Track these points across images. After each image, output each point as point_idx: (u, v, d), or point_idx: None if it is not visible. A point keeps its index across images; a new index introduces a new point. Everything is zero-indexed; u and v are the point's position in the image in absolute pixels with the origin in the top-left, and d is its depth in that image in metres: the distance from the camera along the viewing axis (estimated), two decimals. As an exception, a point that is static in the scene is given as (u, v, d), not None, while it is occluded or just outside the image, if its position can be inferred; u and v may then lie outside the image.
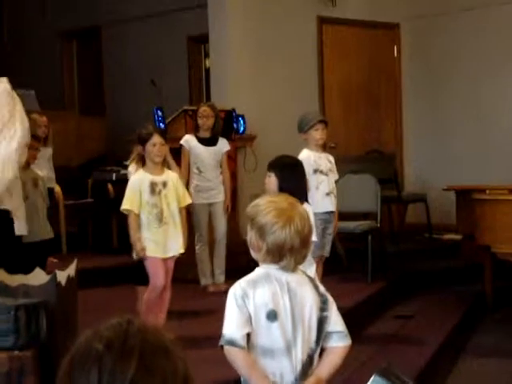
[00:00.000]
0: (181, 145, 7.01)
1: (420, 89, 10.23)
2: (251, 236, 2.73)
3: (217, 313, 6.11)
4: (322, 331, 2.75)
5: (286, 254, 2.68)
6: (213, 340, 5.22)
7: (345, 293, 6.26)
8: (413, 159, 10.30)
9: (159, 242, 5.31)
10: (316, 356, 2.76)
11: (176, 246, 5.39)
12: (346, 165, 7.99)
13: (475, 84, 9.71)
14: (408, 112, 10.31)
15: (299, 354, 2.71)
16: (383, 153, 9.84)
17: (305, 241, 2.70)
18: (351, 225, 7.34)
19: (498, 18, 9.44)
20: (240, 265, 7.42)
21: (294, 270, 2.73)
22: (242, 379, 2.80)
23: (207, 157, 7.00)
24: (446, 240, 9.29)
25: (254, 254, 2.78)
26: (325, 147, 6.18)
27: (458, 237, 8.50)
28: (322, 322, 2.75)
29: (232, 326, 2.66)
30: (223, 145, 7.12)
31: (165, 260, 5.36)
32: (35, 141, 5.83)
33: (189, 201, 5.56)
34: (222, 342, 2.67)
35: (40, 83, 10.79)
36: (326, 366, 2.78)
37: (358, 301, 6.40)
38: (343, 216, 6.80)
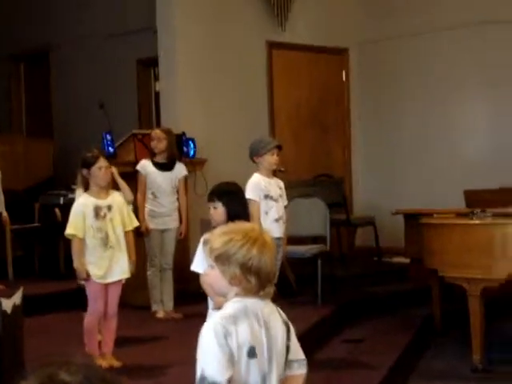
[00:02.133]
0: (137, 170, 6.97)
1: (368, 113, 10.34)
2: (233, 272, 2.63)
3: (165, 340, 6.10)
4: (286, 360, 2.73)
5: (270, 281, 2.66)
6: (161, 368, 5.19)
7: (295, 317, 6.22)
8: (361, 183, 10.39)
9: (103, 266, 5.24)
10: None
11: (120, 270, 5.32)
12: (295, 189, 8.02)
13: (423, 109, 9.84)
14: (356, 136, 10.40)
15: None
16: (332, 177, 9.90)
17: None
18: (301, 249, 7.36)
19: (447, 43, 9.60)
20: (189, 292, 7.43)
21: (272, 295, 2.69)
22: None
23: (163, 182, 6.97)
24: (395, 263, 9.36)
25: (224, 289, 2.67)
26: (274, 172, 6.20)
27: (406, 260, 8.57)
28: (287, 351, 2.73)
29: (214, 368, 2.52)
30: (180, 170, 7.09)
31: (108, 285, 5.29)
32: None
33: (135, 223, 5.51)
34: None
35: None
36: None
37: (308, 325, 6.39)
38: (293, 240, 6.82)
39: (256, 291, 2.66)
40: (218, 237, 2.68)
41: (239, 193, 4.53)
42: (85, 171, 5.28)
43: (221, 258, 2.65)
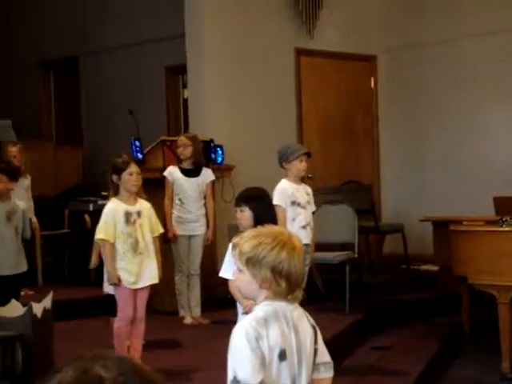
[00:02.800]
0: (164, 176, 7.01)
1: (397, 119, 10.31)
2: (264, 275, 2.63)
3: (192, 345, 6.12)
4: (314, 363, 2.74)
5: (299, 285, 2.66)
6: (189, 373, 5.21)
7: (323, 324, 6.21)
8: (390, 190, 10.35)
9: (133, 271, 5.27)
10: None
11: (150, 276, 5.35)
12: (323, 195, 8.01)
13: (452, 115, 9.79)
14: (385, 143, 10.38)
15: None
16: (360, 183, 9.87)
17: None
18: (329, 255, 7.34)
19: (475, 50, 9.55)
20: (216, 298, 7.45)
21: (300, 299, 2.69)
22: None
23: (190, 188, 6.99)
24: (423, 271, 9.31)
25: (254, 292, 2.68)
26: (302, 178, 6.20)
27: (435, 268, 8.52)
28: (315, 354, 2.74)
29: (247, 371, 2.53)
30: (207, 175, 7.11)
31: (136, 291, 5.32)
32: (2, 174, 5.77)
33: (161, 230, 5.54)
34: None
35: (17, 113, 10.76)
36: None
37: (336, 332, 6.38)
38: (321, 247, 6.81)
39: (285, 295, 2.66)
40: (247, 240, 2.68)
41: (266, 198, 4.56)
42: (115, 177, 5.30)
43: (251, 262, 2.65)
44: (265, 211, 4.33)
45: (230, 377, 2.56)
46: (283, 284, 2.63)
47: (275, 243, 2.64)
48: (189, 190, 7.00)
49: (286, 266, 2.63)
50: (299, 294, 2.68)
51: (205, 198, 7.11)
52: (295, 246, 2.66)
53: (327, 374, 2.79)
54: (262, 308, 2.67)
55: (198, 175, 7.05)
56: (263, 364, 2.58)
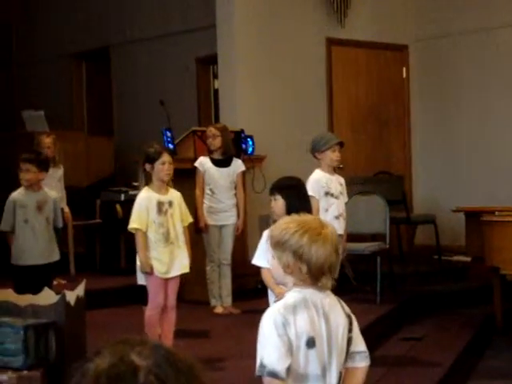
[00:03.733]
0: (195, 167, 7.03)
1: (429, 110, 10.23)
2: (286, 260, 2.66)
3: (223, 334, 6.14)
4: (348, 352, 2.74)
5: (325, 273, 2.65)
6: (220, 361, 5.23)
7: (354, 314, 6.23)
8: (422, 180, 10.29)
9: (164, 261, 5.29)
10: (342, 378, 2.74)
11: (180, 265, 5.37)
12: (354, 186, 7.98)
13: (485, 104, 9.71)
14: (417, 133, 10.31)
15: (333, 379, 2.67)
16: (392, 174, 9.83)
17: (338, 257, 2.69)
18: (360, 246, 7.33)
19: (507, 39, 9.45)
20: (247, 287, 7.46)
21: (330, 288, 2.69)
22: None
23: (220, 178, 7.01)
24: (456, 262, 9.25)
25: (282, 278, 2.71)
26: (334, 169, 6.18)
27: (467, 259, 8.46)
28: (348, 343, 2.73)
29: (274, 357, 2.56)
30: (237, 165, 7.12)
31: (167, 280, 5.34)
32: (31, 164, 5.81)
33: (190, 220, 5.55)
34: (261, 373, 2.57)
35: (49, 104, 10.84)
36: None
37: (368, 322, 6.36)
38: (352, 237, 6.80)
39: (310, 282, 2.66)
40: (278, 225, 2.72)
41: (300, 187, 4.58)
42: (148, 166, 5.31)
43: (278, 245, 2.68)
44: (298, 200, 4.36)
45: (258, 361, 2.59)
46: (304, 269, 2.63)
47: (299, 227, 2.66)
48: (220, 180, 7.01)
49: (306, 250, 2.62)
50: (327, 282, 2.67)
51: (235, 188, 7.11)
52: (322, 232, 2.65)
53: (362, 363, 2.78)
54: (292, 295, 2.68)
55: (228, 165, 7.06)
56: (290, 350, 2.59)
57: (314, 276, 2.64)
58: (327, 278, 2.66)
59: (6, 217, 5.86)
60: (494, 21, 9.51)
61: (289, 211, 4.14)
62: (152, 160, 5.29)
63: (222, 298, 7.07)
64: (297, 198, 4.39)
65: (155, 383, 1.28)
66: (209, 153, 7.07)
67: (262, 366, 2.58)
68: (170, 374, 1.31)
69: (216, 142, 6.98)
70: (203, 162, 7.02)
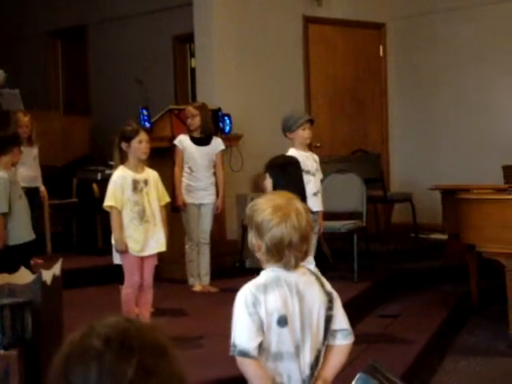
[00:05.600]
0: (173, 145, 7.00)
1: (405, 88, 10.25)
2: (251, 236, 2.67)
3: (201, 313, 6.15)
4: (327, 330, 2.73)
5: (284, 251, 2.62)
6: (197, 339, 5.24)
7: (331, 292, 6.26)
8: (398, 159, 10.32)
9: (139, 240, 5.28)
10: (322, 355, 2.75)
11: (156, 244, 5.35)
12: (331, 164, 8.00)
13: (461, 84, 9.73)
14: (393, 111, 10.33)
15: (307, 357, 2.68)
16: (369, 152, 9.85)
17: (304, 236, 2.63)
18: (337, 224, 7.35)
19: (484, 18, 9.46)
20: (225, 266, 7.46)
21: (294, 267, 2.66)
22: None
23: (199, 157, 6.98)
24: (432, 240, 9.31)
25: (257, 255, 2.72)
26: (310, 147, 6.18)
27: (443, 237, 8.51)
28: (328, 320, 2.73)
29: (244, 337, 2.58)
30: (217, 144, 7.09)
31: (143, 258, 5.33)
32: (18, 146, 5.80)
33: (167, 199, 5.53)
34: (233, 353, 2.60)
35: (25, 82, 10.74)
36: (332, 366, 2.76)
37: (344, 300, 6.36)
38: (329, 216, 6.81)
39: (274, 260, 2.64)
40: (251, 204, 2.74)
41: (287, 166, 4.62)
42: (124, 144, 5.29)
43: (248, 224, 2.71)
44: (283, 179, 4.39)
45: (231, 341, 2.62)
46: (263, 247, 2.63)
47: (262, 204, 2.66)
48: (199, 159, 6.98)
49: (264, 227, 2.61)
50: (290, 259, 2.64)
51: (214, 167, 7.09)
52: (284, 210, 2.62)
53: (344, 341, 2.79)
54: (266, 273, 2.68)
55: (208, 144, 7.03)
56: (261, 329, 2.59)
57: (272, 253, 2.63)
58: (288, 257, 2.64)
59: None
60: (471, -1, 9.52)
61: (275, 189, 4.20)
62: (129, 138, 5.27)
63: (200, 276, 7.07)
64: (282, 177, 4.42)
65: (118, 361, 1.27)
66: (188, 131, 7.04)
67: (234, 345, 2.60)
68: (135, 354, 1.29)
69: (195, 122, 6.95)
70: (182, 140, 6.99)
